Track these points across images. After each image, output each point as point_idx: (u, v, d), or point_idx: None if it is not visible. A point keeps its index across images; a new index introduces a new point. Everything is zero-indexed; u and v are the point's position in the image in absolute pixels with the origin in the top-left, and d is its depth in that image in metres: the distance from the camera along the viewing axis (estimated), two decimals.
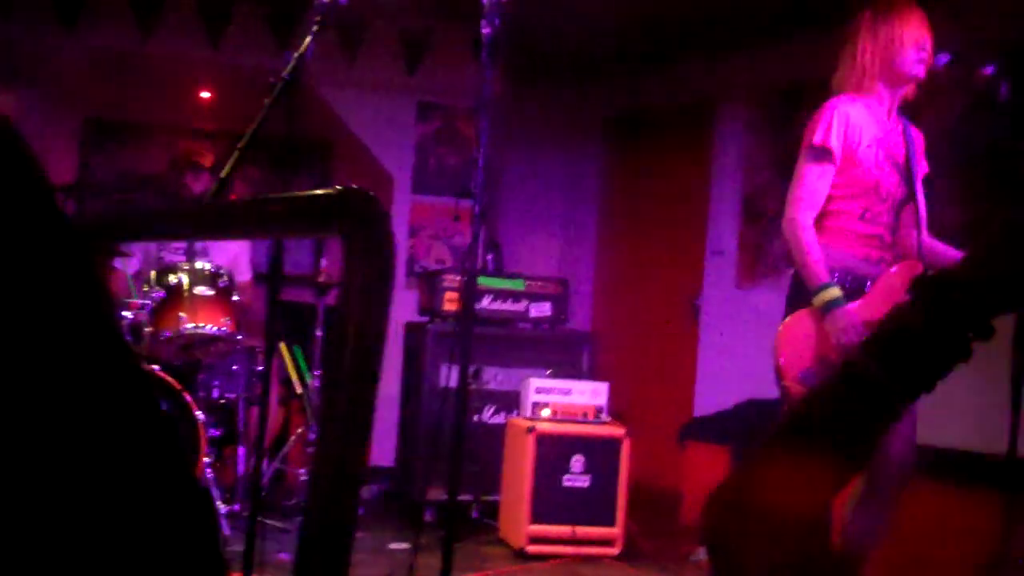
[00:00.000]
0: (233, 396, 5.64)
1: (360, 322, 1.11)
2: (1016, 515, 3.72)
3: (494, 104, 7.20)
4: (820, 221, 3.73)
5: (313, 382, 5.77)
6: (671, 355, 7.30)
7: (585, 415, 5.45)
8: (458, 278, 6.11)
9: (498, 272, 6.97)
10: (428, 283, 6.31)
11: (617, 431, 5.38)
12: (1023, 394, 1.92)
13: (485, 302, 6.17)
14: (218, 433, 5.60)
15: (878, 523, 3.61)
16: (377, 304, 1.12)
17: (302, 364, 5.96)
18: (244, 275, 6.08)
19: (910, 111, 3.85)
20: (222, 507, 5.14)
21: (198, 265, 5.33)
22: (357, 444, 1.16)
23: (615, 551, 5.33)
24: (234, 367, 5.62)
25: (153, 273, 5.29)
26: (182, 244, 5.91)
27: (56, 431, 0.79)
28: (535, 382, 5.46)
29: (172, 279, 5.23)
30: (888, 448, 3.52)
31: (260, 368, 5.71)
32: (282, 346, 6.10)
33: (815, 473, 1.17)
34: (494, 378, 6.10)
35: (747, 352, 6.34)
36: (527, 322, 6.28)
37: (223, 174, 2.74)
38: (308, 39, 3.23)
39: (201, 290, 5.26)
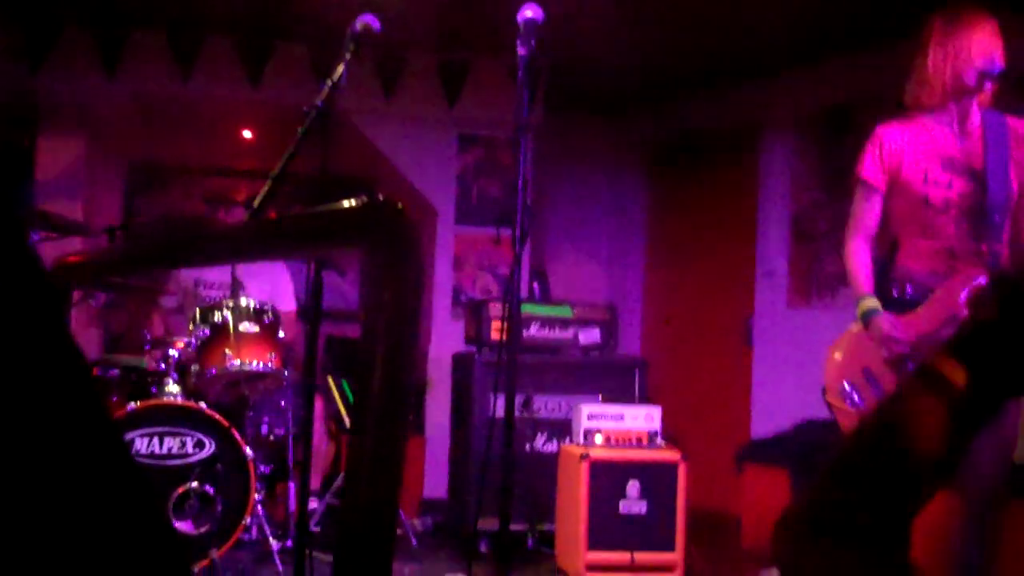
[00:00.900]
0: (282, 432, 5.60)
1: (389, 341, 1.04)
2: None
3: (537, 132, 7.21)
4: (900, 242, 3.76)
5: None
6: (725, 377, 7.20)
7: (639, 440, 5.35)
8: (503, 307, 6.03)
9: (545, 299, 6.91)
10: (474, 313, 6.26)
11: (673, 455, 5.27)
12: None
13: (533, 330, 6.11)
14: (268, 470, 5.58)
15: (974, 551, 3.48)
16: (406, 316, 1.06)
17: (351, 398, 5.92)
18: (287, 306, 6.06)
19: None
20: (274, 543, 5.09)
21: (242, 302, 5.31)
22: (389, 460, 1.09)
23: None
24: (282, 403, 5.59)
25: (197, 311, 5.28)
26: (220, 279, 5.92)
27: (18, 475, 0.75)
28: (587, 408, 5.37)
29: (217, 317, 5.22)
30: (977, 463, 3.40)
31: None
32: (330, 380, 6.07)
33: (892, 489, 1.08)
34: (544, 406, 6.03)
35: (802, 372, 6.21)
36: (576, 349, 6.20)
37: (255, 204, 2.70)
38: (341, 67, 3.19)
39: (246, 327, 5.24)
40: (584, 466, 5.15)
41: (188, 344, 5.20)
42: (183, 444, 4.90)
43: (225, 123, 7.83)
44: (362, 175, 8.07)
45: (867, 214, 3.78)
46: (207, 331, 5.20)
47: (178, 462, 4.88)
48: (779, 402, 6.56)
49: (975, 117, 3.71)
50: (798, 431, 5.98)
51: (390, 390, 1.06)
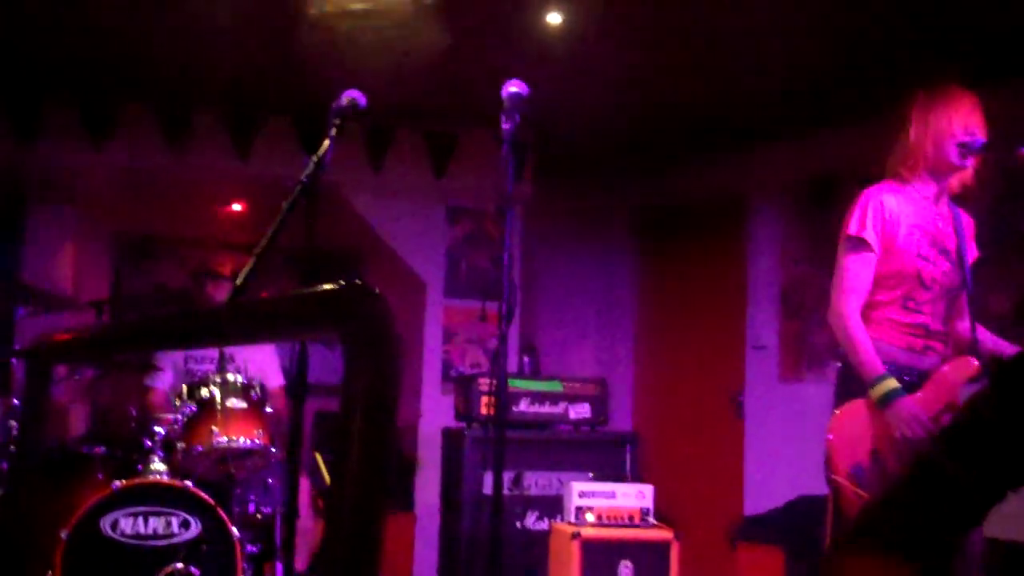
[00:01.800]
0: (269, 511, 5.51)
1: (364, 438, 0.99)
2: None
3: (525, 205, 7.21)
4: (864, 312, 3.67)
5: None
6: (716, 453, 7.13)
7: (631, 518, 5.27)
8: (494, 381, 5.98)
9: (535, 374, 6.87)
10: (463, 388, 6.20)
11: (665, 534, 5.19)
12: None
13: (523, 405, 6.05)
14: (255, 549, 5.47)
15: None
16: (381, 415, 1.01)
17: None
18: (274, 382, 6.01)
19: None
20: None
21: (229, 377, 5.26)
22: (368, 553, 1.03)
23: None
24: (270, 480, 5.51)
25: (184, 387, 5.23)
26: (209, 354, 5.86)
27: None
28: (578, 486, 5.29)
29: (204, 393, 5.17)
30: (968, 549, 3.34)
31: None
32: (318, 456, 6.00)
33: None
34: (535, 483, 5.95)
35: (795, 448, 6.17)
36: (567, 424, 6.14)
37: (238, 281, 2.66)
38: (327, 142, 3.18)
39: (233, 403, 5.18)
40: (576, 545, 5.07)
41: (175, 421, 5.13)
42: (168, 524, 4.81)
43: (214, 196, 7.84)
44: (351, 248, 8.07)
45: (862, 276, 3.65)
46: (194, 407, 5.15)
47: (163, 542, 4.79)
48: (772, 477, 6.49)
49: (945, 200, 3.75)
50: (791, 507, 5.90)
51: (367, 480, 1.01)
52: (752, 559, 5.85)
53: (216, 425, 5.08)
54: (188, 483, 4.91)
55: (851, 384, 3.60)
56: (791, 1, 4.96)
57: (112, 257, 8.14)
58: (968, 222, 3.82)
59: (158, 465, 5.03)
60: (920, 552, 1.02)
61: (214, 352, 5.75)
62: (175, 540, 4.81)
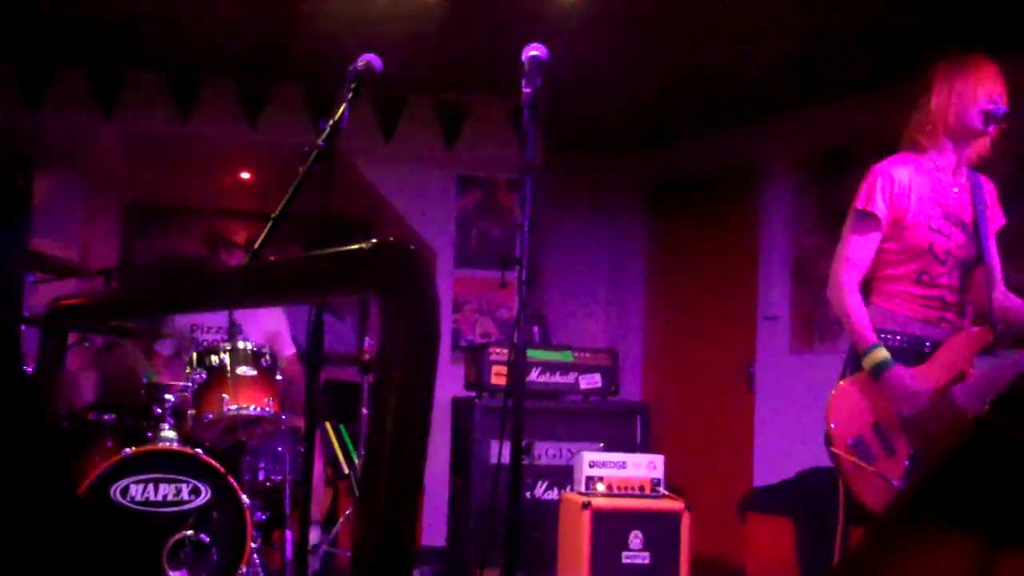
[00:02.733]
0: (279, 478, 5.51)
1: (403, 393, 0.97)
2: None
3: (535, 174, 7.17)
4: (879, 285, 3.71)
5: (361, 461, 5.63)
6: (727, 424, 7.11)
7: (641, 488, 5.25)
8: (505, 351, 5.97)
9: (545, 344, 6.84)
10: (474, 357, 6.18)
11: (676, 505, 5.17)
12: None
13: (533, 375, 6.02)
14: (265, 517, 5.47)
15: None
16: (420, 369, 0.98)
17: (349, 444, 5.83)
18: (286, 350, 6.00)
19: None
20: None
21: (240, 345, 5.24)
22: (403, 520, 1.01)
23: None
24: (279, 448, 5.51)
25: (194, 354, 5.21)
26: (217, 323, 5.85)
27: None
28: (588, 455, 5.27)
29: (214, 360, 5.15)
30: None
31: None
32: (328, 426, 5.99)
33: (954, 558, 1.00)
34: (545, 453, 5.93)
35: (806, 419, 6.14)
36: (577, 394, 6.12)
37: (256, 245, 2.64)
38: (343, 106, 3.14)
39: (243, 370, 5.16)
40: (586, 515, 5.05)
41: (185, 388, 5.12)
42: (178, 491, 4.81)
43: (223, 163, 7.80)
44: (360, 216, 8.04)
45: (867, 252, 3.68)
46: (204, 375, 5.13)
47: (173, 509, 4.78)
48: (782, 448, 6.48)
49: (964, 169, 3.73)
50: (801, 479, 5.89)
51: (403, 441, 0.98)
52: (762, 529, 5.84)
53: (226, 392, 5.06)
54: (198, 450, 4.90)
55: (860, 358, 3.60)
56: None
57: (121, 225, 8.11)
58: (991, 189, 3.80)
59: (168, 432, 5.02)
60: (984, 522, 0.98)
61: (223, 322, 5.73)
62: (185, 507, 4.81)
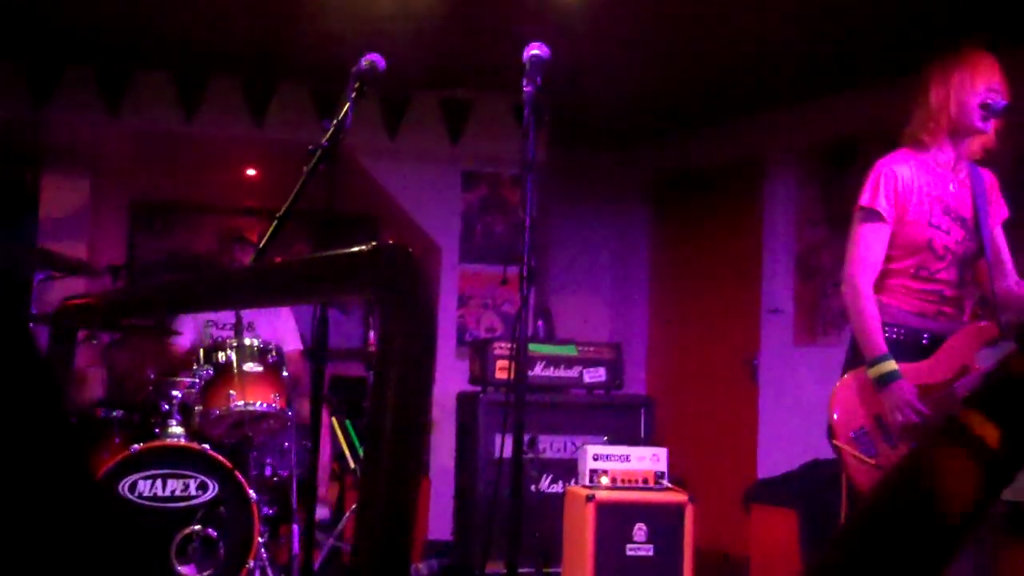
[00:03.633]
0: (286, 474, 5.55)
1: (400, 392, 1.00)
2: None
3: (539, 169, 7.20)
4: (879, 280, 3.72)
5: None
6: (731, 416, 7.14)
7: (645, 481, 5.29)
8: (509, 346, 6.01)
9: (549, 338, 6.88)
10: (479, 352, 6.21)
11: (679, 497, 5.21)
12: None
13: (537, 369, 6.06)
14: (272, 512, 5.52)
15: None
16: (418, 368, 1.02)
17: (355, 438, 5.87)
18: (293, 345, 6.05)
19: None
20: None
21: (246, 341, 5.28)
22: (402, 515, 1.04)
23: None
24: (286, 444, 5.55)
25: (201, 351, 5.25)
26: (229, 319, 5.89)
27: None
28: (592, 449, 5.31)
29: (221, 356, 5.19)
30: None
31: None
32: (334, 421, 6.03)
33: (918, 548, 1.03)
34: (550, 446, 5.97)
35: (809, 411, 6.17)
36: (581, 388, 6.15)
37: (261, 244, 2.68)
38: (347, 105, 3.18)
39: (250, 367, 5.21)
40: (590, 508, 5.09)
41: (192, 385, 5.16)
42: (186, 486, 4.85)
43: (229, 161, 7.84)
44: (366, 213, 8.08)
45: (878, 250, 3.69)
46: (211, 371, 5.17)
47: (181, 504, 4.83)
48: (786, 441, 6.51)
49: (964, 164, 3.76)
50: (806, 471, 5.92)
51: (402, 438, 1.02)
52: (766, 521, 5.87)
53: (233, 389, 5.11)
54: (205, 446, 4.94)
55: (867, 364, 3.64)
56: None
57: (128, 222, 8.15)
58: (992, 183, 3.82)
59: (175, 428, 5.06)
60: (950, 516, 1.01)
61: (231, 317, 5.78)
62: (193, 502, 4.85)
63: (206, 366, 5.19)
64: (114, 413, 5.34)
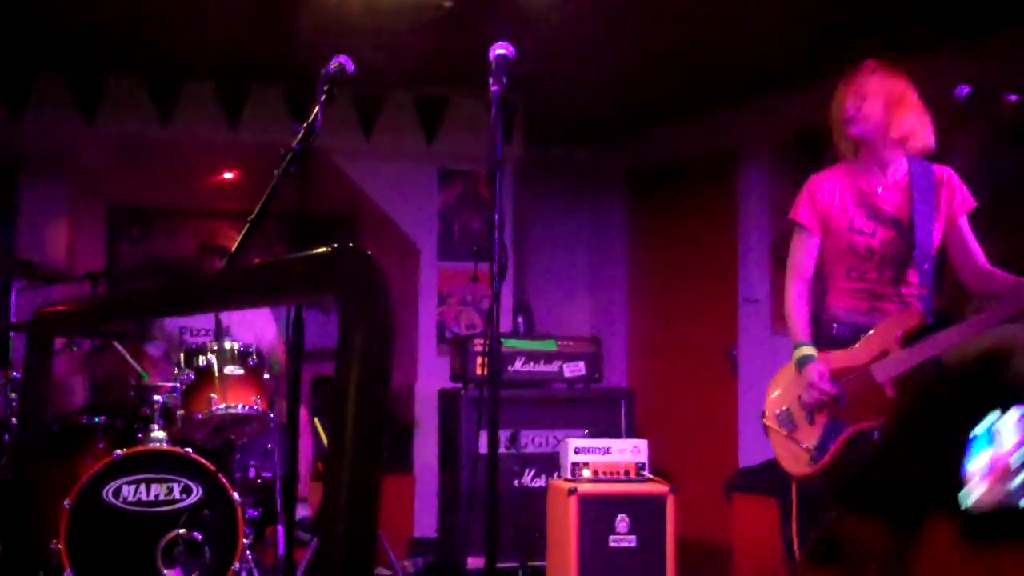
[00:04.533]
0: (269, 475, 5.58)
1: (359, 398, 1.04)
2: None
3: (517, 165, 7.25)
4: (827, 284, 4.09)
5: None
6: (711, 406, 7.20)
7: (627, 473, 5.34)
8: (488, 341, 6.04)
9: (530, 334, 6.93)
10: (459, 349, 6.25)
11: (660, 488, 5.26)
12: None
13: (518, 364, 6.11)
14: (256, 513, 5.54)
15: None
16: (376, 375, 1.05)
17: None
18: (272, 339, 6.08)
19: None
20: None
21: (226, 345, 5.31)
22: (364, 515, 1.07)
23: None
24: (269, 445, 5.57)
25: (182, 355, 5.28)
26: (205, 325, 5.92)
27: None
28: (573, 442, 5.35)
29: (201, 360, 5.22)
30: None
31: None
32: (316, 421, 6.06)
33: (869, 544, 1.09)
34: (532, 441, 6.02)
35: None
36: (562, 382, 6.20)
37: (233, 248, 2.71)
38: (316, 108, 3.21)
39: (231, 370, 5.24)
40: (573, 501, 5.13)
41: (173, 389, 5.18)
42: (170, 490, 4.87)
43: (206, 165, 7.84)
44: (344, 213, 8.10)
45: (804, 257, 4.07)
46: (192, 375, 5.21)
47: (165, 509, 4.85)
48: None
49: (902, 166, 3.97)
50: None
51: (364, 438, 1.05)
52: (747, 510, 5.92)
53: (214, 392, 5.14)
54: (188, 450, 4.97)
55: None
56: None
57: (106, 228, 8.14)
58: (945, 179, 3.97)
59: (158, 433, 5.08)
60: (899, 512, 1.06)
61: (210, 324, 5.81)
62: (177, 506, 4.88)
63: (187, 370, 5.22)
64: (96, 419, 5.35)
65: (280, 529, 5.52)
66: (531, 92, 6.77)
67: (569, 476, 5.31)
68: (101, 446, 5.31)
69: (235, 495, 4.94)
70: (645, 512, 5.22)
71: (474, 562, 5.72)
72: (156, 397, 5.17)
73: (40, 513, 5.05)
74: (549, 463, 5.85)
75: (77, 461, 5.20)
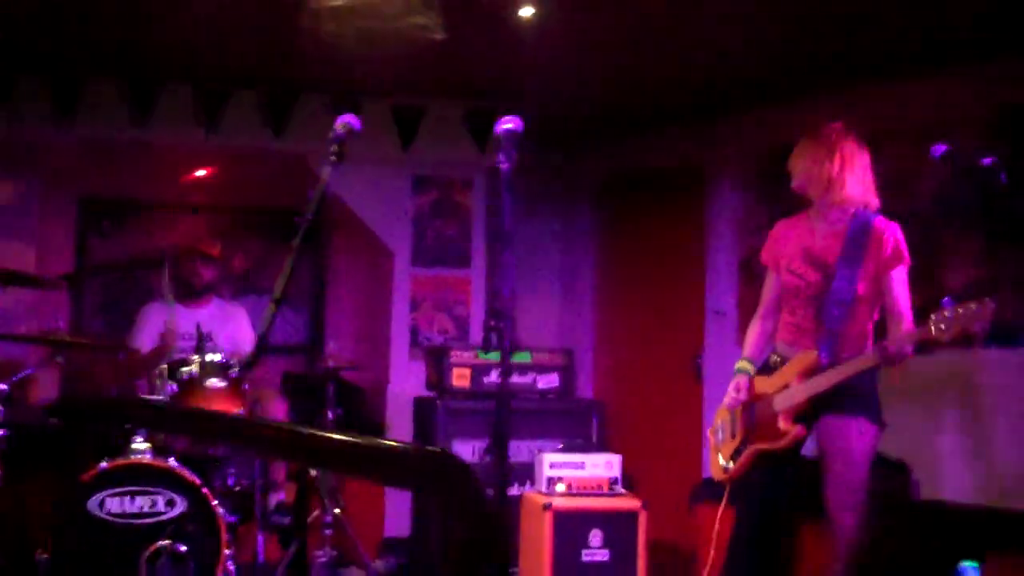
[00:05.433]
0: (248, 483, 5.69)
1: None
2: None
3: (487, 176, 7.35)
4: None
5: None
6: (677, 416, 7.34)
7: (600, 487, 5.50)
8: (465, 354, 6.21)
9: (500, 343, 7.04)
10: (435, 359, 6.38)
11: (633, 503, 5.42)
12: None
13: (492, 376, 6.25)
14: (235, 519, 5.64)
15: None
16: (483, 553, 1.17)
17: None
18: (249, 345, 6.18)
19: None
20: None
21: (207, 357, 5.41)
22: None
23: None
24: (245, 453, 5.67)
25: (165, 367, 5.36)
26: (187, 329, 6.02)
27: None
28: (549, 457, 5.50)
29: (184, 373, 5.32)
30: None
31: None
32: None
33: None
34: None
35: None
36: (534, 394, 6.34)
37: (262, 331, 2.80)
38: (327, 170, 3.30)
39: (213, 382, 5.36)
40: (548, 516, 5.29)
41: (156, 401, 5.26)
42: (154, 503, 4.97)
43: (181, 163, 7.86)
44: (319, 216, 8.15)
45: (766, 291, 4.74)
46: (175, 387, 5.29)
47: (150, 520, 4.95)
48: None
49: (844, 217, 4.37)
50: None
51: None
52: (710, 519, 6.07)
53: (197, 404, 5.23)
54: (172, 462, 5.06)
55: None
56: None
57: (76, 225, 8.09)
58: (880, 232, 4.31)
59: (141, 444, 5.17)
60: None
61: (192, 328, 5.92)
62: (161, 518, 4.97)
63: (170, 382, 5.30)
64: (75, 427, 5.42)
65: (260, 537, 5.65)
66: (504, 96, 6.86)
67: (544, 489, 5.46)
68: (81, 455, 5.40)
69: (219, 508, 5.04)
70: (618, 527, 5.39)
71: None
72: None
73: (24, 524, 5.16)
74: (521, 473, 6.00)
75: (58, 470, 5.31)
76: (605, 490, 5.50)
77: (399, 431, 6.94)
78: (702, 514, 6.14)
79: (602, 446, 6.22)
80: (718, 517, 4.98)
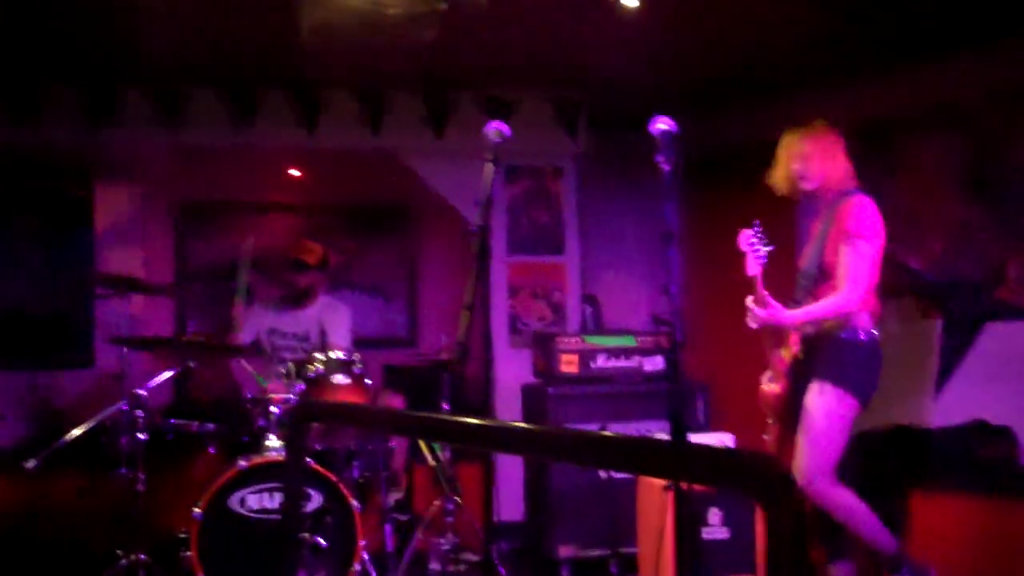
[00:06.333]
0: (371, 474, 5.87)
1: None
2: None
3: (578, 161, 7.48)
4: None
5: (444, 453, 5.97)
6: None
7: None
8: (573, 340, 6.35)
9: (597, 325, 7.21)
10: (542, 346, 6.50)
11: None
12: None
13: (600, 361, 6.38)
14: (360, 508, 5.82)
15: None
16: (800, 550, 1.32)
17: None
18: (347, 339, 6.36)
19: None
20: None
21: (331, 354, 5.58)
22: None
23: None
24: (370, 447, 5.85)
25: (292, 367, 5.54)
26: (291, 329, 6.25)
27: None
28: (662, 437, 5.63)
29: (310, 371, 5.49)
30: None
31: (393, 444, 5.98)
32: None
33: None
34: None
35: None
36: (641, 377, 6.47)
37: (459, 339, 2.95)
38: (490, 178, 3.45)
39: (339, 378, 5.53)
40: (669, 497, 5.41)
41: (287, 400, 5.45)
42: None
43: (278, 166, 8.06)
44: (414, 207, 8.36)
45: None
46: (303, 385, 5.47)
47: None
48: None
49: (831, 201, 4.82)
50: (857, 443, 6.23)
51: None
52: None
53: (326, 399, 5.42)
54: (308, 459, 5.25)
55: None
56: None
57: (175, 230, 8.28)
58: (840, 210, 4.73)
59: (274, 442, 5.37)
60: None
61: (297, 329, 6.14)
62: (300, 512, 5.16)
63: (298, 381, 5.49)
64: (208, 426, 5.63)
65: (388, 527, 5.84)
66: (594, 85, 6.98)
67: None
68: (213, 452, 5.62)
69: (353, 501, 5.23)
70: (736, 505, 5.52)
71: (564, 550, 6.05)
72: (272, 408, 5.45)
73: (160, 520, 5.37)
74: None
75: (192, 468, 5.52)
76: None
77: (503, 416, 7.08)
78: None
79: (708, 427, 6.34)
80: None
